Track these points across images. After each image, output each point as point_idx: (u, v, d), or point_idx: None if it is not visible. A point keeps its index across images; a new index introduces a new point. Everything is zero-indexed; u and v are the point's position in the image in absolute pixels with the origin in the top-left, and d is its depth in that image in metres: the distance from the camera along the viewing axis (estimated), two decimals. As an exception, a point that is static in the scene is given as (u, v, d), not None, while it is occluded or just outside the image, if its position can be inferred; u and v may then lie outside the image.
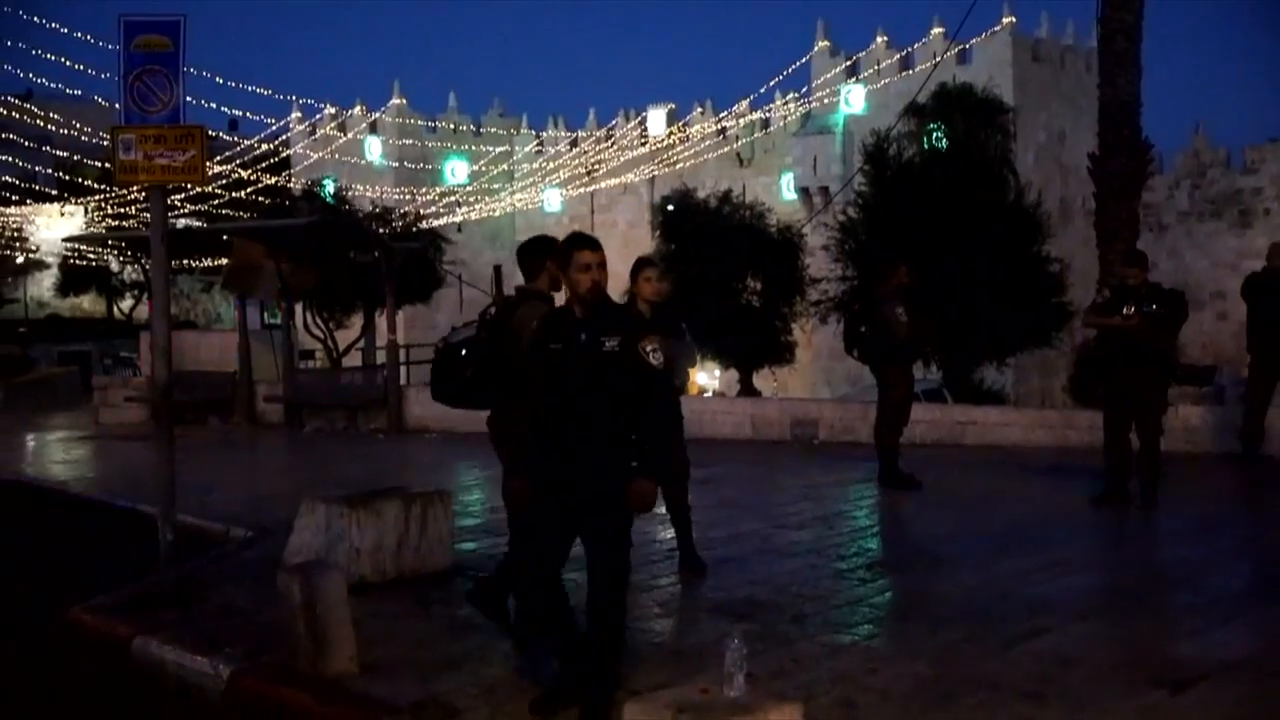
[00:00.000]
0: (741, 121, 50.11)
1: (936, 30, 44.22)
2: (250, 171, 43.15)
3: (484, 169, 54.95)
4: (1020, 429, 14.34)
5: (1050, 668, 5.69)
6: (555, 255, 6.00)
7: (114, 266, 53.14)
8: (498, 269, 8.10)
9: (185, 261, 27.19)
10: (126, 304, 56.09)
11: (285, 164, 54.87)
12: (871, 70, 46.42)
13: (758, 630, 6.37)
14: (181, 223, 38.43)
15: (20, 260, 53.77)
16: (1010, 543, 8.65)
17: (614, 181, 52.48)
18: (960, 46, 41.89)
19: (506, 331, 6.27)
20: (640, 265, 7.87)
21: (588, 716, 5.08)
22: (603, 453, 5.14)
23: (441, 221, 42.44)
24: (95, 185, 43.78)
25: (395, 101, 55.45)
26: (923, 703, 5.28)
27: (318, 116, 56.29)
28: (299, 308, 24.15)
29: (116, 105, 7.90)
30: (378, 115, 55.50)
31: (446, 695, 5.53)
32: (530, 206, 55.06)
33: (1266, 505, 10.56)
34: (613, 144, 53.64)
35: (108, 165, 8.15)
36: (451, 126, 56.18)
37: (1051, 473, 11.71)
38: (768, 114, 50.20)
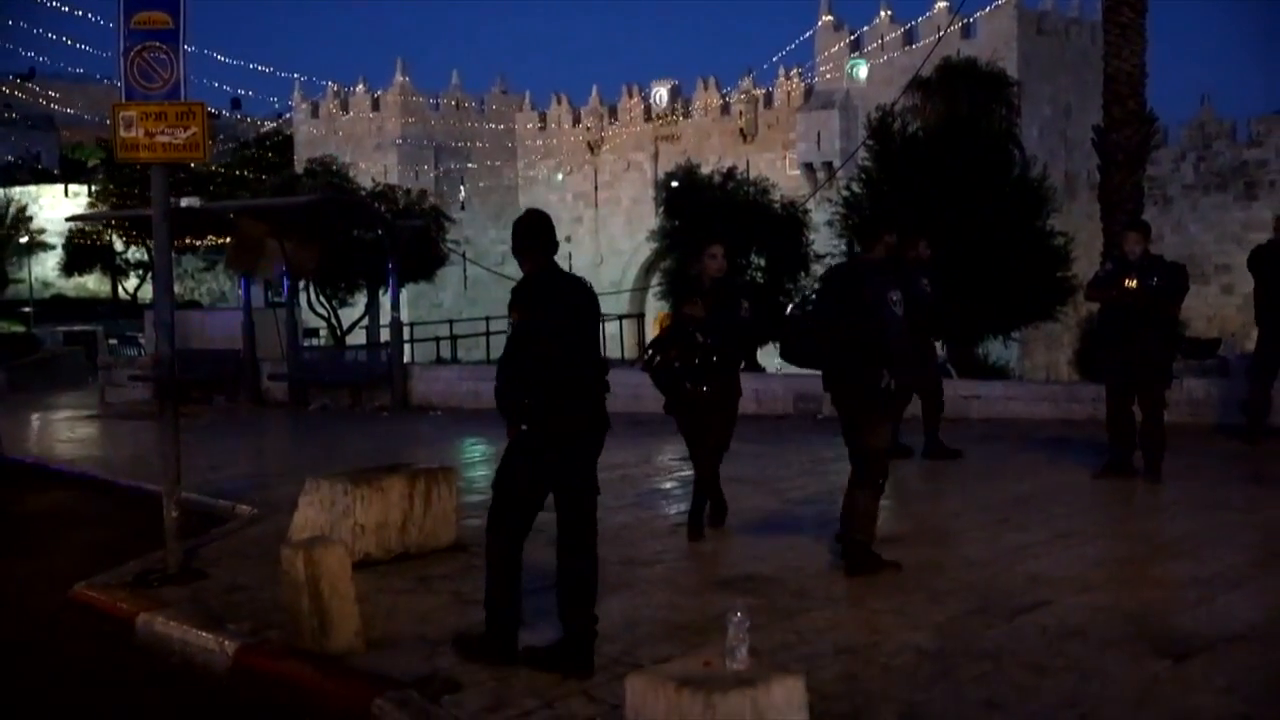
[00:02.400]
0: (745, 97, 49.94)
1: (941, 4, 44.00)
2: (253, 150, 43.09)
3: (487, 146, 54.83)
4: (1024, 402, 14.33)
5: (1053, 639, 5.70)
6: (892, 228, 7.15)
7: (118, 246, 53.14)
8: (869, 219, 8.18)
9: (189, 241, 27.19)
10: (131, 283, 56.12)
11: (288, 142, 54.78)
12: (875, 45, 46.18)
13: (761, 604, 6.38)
14: (184, 202, 38.43)
15: (24, 240, 53.77)
16: (1013, 515, 8.66)
17: (617, 158, 52.36)
18: (964, 20, 41.66)
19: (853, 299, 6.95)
20: (705, 243, 8.33)
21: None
22: None
23: (445, 199, 42.39)
24: (99, 165, 43.81)
25: (398, 79, 55.30)
26: (926, 675, 5.30)
27: (320, 95, 56.22)
28: (303, 286, 24.16)
29: (118, 83, 7.88)
30: (380, 93, 55.34)
31: (450, 670, 5.55)
32: (534, 183, 54.97)
33: (1270, 477, 10.54)
34: (616, 120, 53.49)
35: (110, 144, 8.15)
36: (454, 104, 56.02)
37: (1055, 446, 11.70)
38: (771, 89, 50.03)
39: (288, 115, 55.64)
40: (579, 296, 5.69)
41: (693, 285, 8.35)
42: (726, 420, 8.27)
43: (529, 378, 5.54)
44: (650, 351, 8.31)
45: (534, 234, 5.69)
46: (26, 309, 51.56)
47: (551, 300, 5.57)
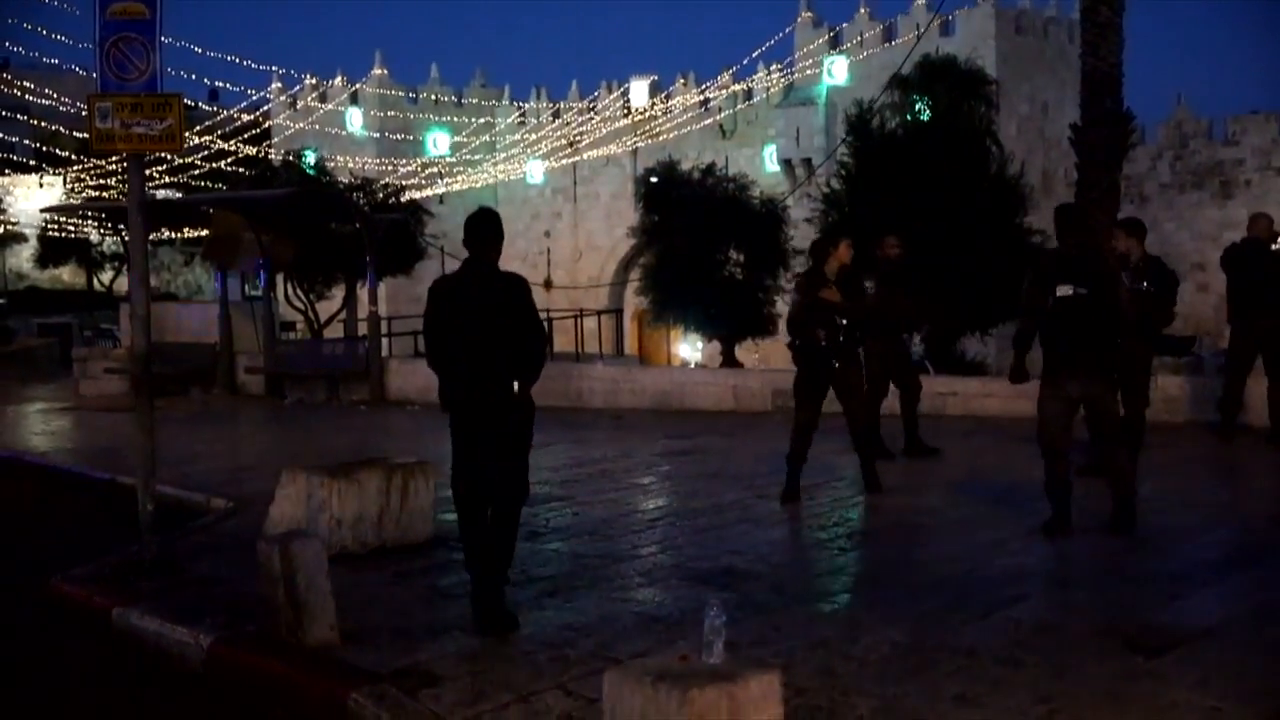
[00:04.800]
0: (724, 93, 49.92)
1: (919, 1, 44.08)
2: (230, 142, 42.86)
3: (466, 140, 54.68)
4: (1001, 399, 14.37)
5: (1027, 635, 5.73)
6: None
7: (94, 238, 52.75)
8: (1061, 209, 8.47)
9: (166, 233, 27.06)
10: (106, 276, 55.67)
11: (265, 135, 54.49)
12: (854, 41, 46.23)
13: (737, 599, 6.40)
14: (161, 194, 38.20)
15: (-2, 231, 53.36)
16: (989, 511, 8.70)
17: (596, 153, 52.30)
18: (943, 18, 41.76)
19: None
20: (841, 237, 9.62)
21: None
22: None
23: (423, 193, 42.26)
24: (74, 156, 43.49)
25: (376, 72, 55.03)
26: (901, 670, 5.32)
27: (298, 87, 55.91)
28: (280, 279, 24.07)
29: (94, 74, 7.84)
30: (359, 86, 55.09)
31: (427, 664, 5.55)
32: (513, 178, 54.84)
33: (1242, 474, 10.64)
34: (595, 115, 53.41)
35: (86, 135, 8.10)
36: (433, 97, 55.80)
37: (1031, 442, 11.71)
38: (750, 85, 50.02)
39: (266, 107, 55.34)
40: (473, 292, 6.16)
41: (822, 275, 9.29)
42: (852, 389, 9.35)
43: (430, 360, 6.36)
44: (791, 335, 9.34)
45: (466, 233, 6.34)
46: (0, 300, 51.15)
47: (438, 296, 6.24)
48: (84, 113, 7.90)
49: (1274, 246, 11.61)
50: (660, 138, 49.21)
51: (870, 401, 11.26)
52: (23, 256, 57.40)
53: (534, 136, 54.10)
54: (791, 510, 8.98)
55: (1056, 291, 7.88)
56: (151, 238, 21.48)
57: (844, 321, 9.13)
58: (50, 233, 51.44)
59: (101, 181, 44.41)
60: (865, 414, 9.66)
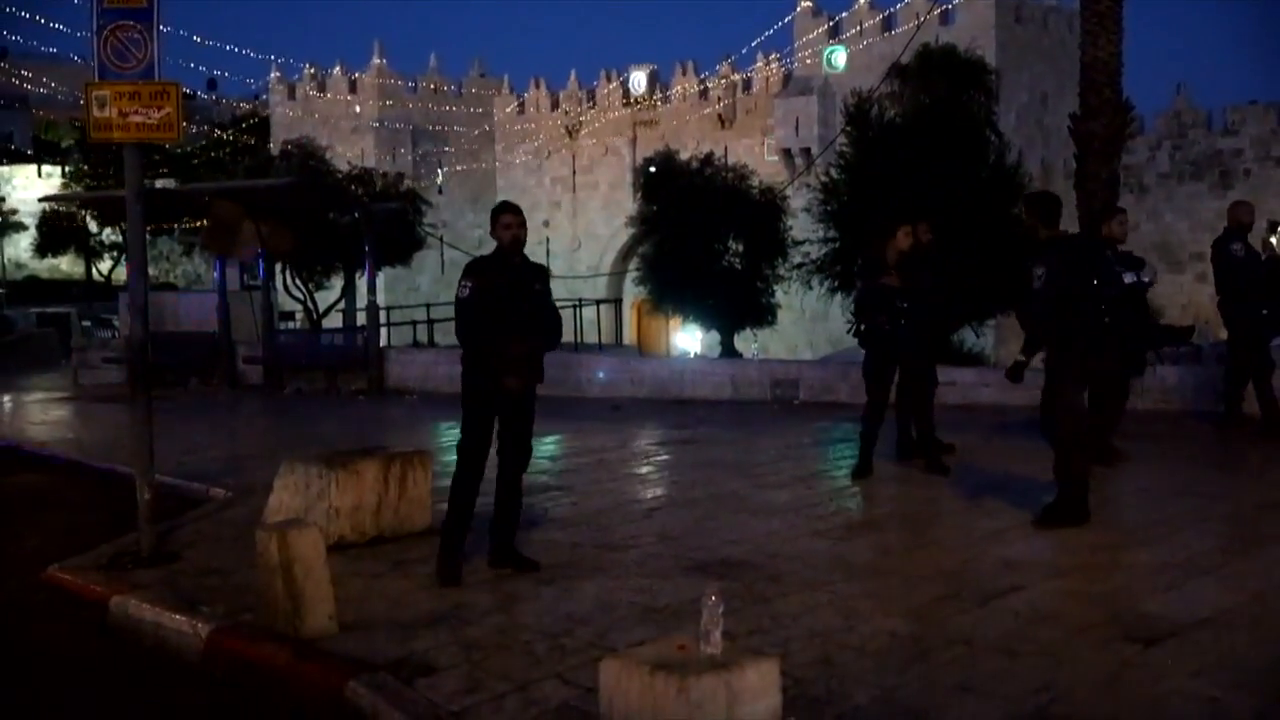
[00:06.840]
0: (723, 82, 49.86)
1: (919, -9, 44.01)
2: (229, 131, 42.80)
3: (465, 129, 54.62)
4: (998, 389, 14.36)
5: (1025, 624, 5.74)
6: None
7: (93, 227, 52.75)
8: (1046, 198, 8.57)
9: (165, 223, 27.04)
10: (105, 265, 55.67)
11: (264, 124, 54.43)
12: (854, 31, 46.20)
13: (736, 588, 6.40)
14: (159, 183, 38.18)
15: (-3, 221, 53.37)
16: (986, 501, 8.70)
17: (595, 143, 52.24)
18: (943, 7, 41.72)
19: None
20: (897, 224, 9.69)
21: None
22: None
23: (422, 183, 42.20)
24: (72, 144, 43.49)
25: (375, 61, 54.99)
26: (899, 659, 5.32)
27: (297, 77, 55.85)
28: (279, 269, 24.07)
29: (92, 63, 7.82)
30: (358, 75, 55.03)
31: (425, 654, 5.55)
32: (511, 168, 54.79)
33: (1239, 464, 10.63)
34: (594, 105, 53.34)
35: (83, 124, 8.10)
36: (432, 87, 55.77)
37: (1027, 432, 11.72)
38: (750, 75, 49.99)
39: (264, 97, 55.30)
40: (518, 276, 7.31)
41: (881, 261, 9.60)
42: (914, 373, 9.69)
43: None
44: (855, 320, 9.72)
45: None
46: (-1, 290, 51.19)
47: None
48: (82, 102, 7.87)
49: (1273, 238, 11.58)
50: (659, 127, 49.18)
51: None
52: (21, 246, 57.38)
53: (533, 126, 54.05)
54: (800, 497, 8.97)
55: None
56: (150, 227, 21.47)
57: (905, 305, 9.44)
58: (49, 222, 51.37)
59: (100, 171, 44.38)
60: (922, 395, 9.89)
